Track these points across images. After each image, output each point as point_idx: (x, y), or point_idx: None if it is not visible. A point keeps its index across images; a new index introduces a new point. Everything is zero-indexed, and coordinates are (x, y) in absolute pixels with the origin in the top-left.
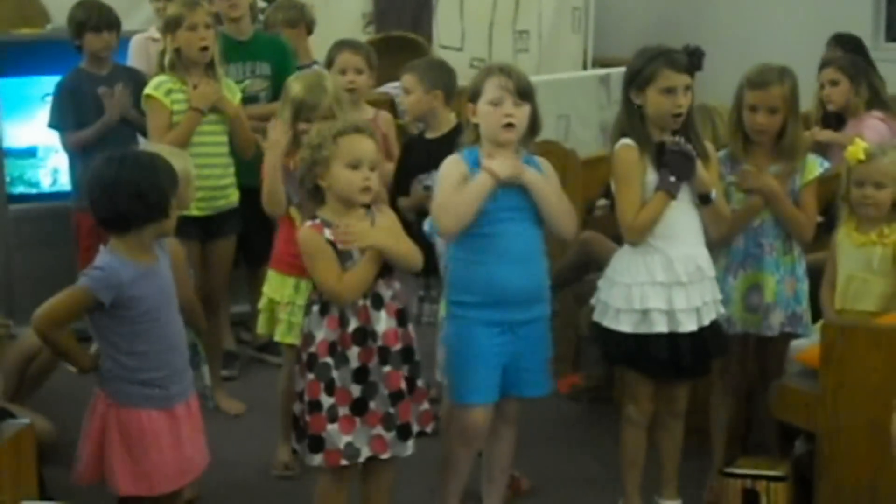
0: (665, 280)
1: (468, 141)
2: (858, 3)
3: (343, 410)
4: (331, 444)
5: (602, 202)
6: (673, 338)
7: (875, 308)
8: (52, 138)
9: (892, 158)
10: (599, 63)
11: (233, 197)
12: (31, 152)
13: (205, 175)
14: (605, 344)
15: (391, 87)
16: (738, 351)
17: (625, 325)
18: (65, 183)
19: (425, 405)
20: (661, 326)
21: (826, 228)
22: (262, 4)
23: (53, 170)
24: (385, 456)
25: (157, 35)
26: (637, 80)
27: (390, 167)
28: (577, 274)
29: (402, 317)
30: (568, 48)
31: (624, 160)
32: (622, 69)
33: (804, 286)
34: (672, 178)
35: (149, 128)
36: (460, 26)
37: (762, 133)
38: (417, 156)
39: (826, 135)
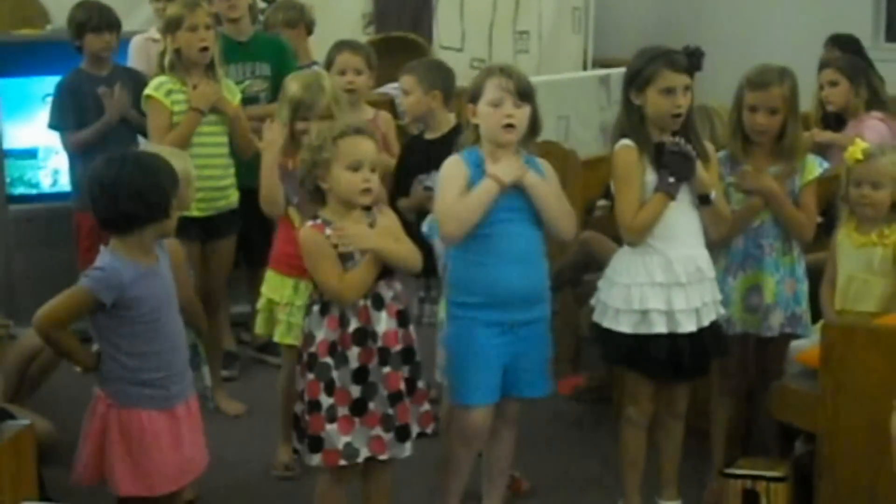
0: (664, 281)
1: (468, 141)
2: (858, 4)
3: (342, 411)
4: (329, 445)
5: (602, 202)
6: (672, 338)
7: (875, 309)
8: (53, 139)
9: (890, 159)
10: (599, 63)
11: (233, 197)
12: (31, 153)
13: (205, 176)
14: (604, 344)
15: (391, 88)
16: (737, 351)
17: (624, 326)
18: (65, 184)
19: (426, 406)
20: (660, 327)
21: (826, 229)
22: (262, 5)
23: (54, 170)
24: (383, 457)
25: (158, 36)
26: (637, 80)
27: (391, 161)
28: (577, 274)
29: (402, 318)
30: (568, 49)
31: (623, 161)
32: (622, 70)
33: (804, 287)
34: (671, 179)
35: (149, 128)
36: (460, 27)
37: (762, 133)
38: (417, 156)
39: (826, 135)
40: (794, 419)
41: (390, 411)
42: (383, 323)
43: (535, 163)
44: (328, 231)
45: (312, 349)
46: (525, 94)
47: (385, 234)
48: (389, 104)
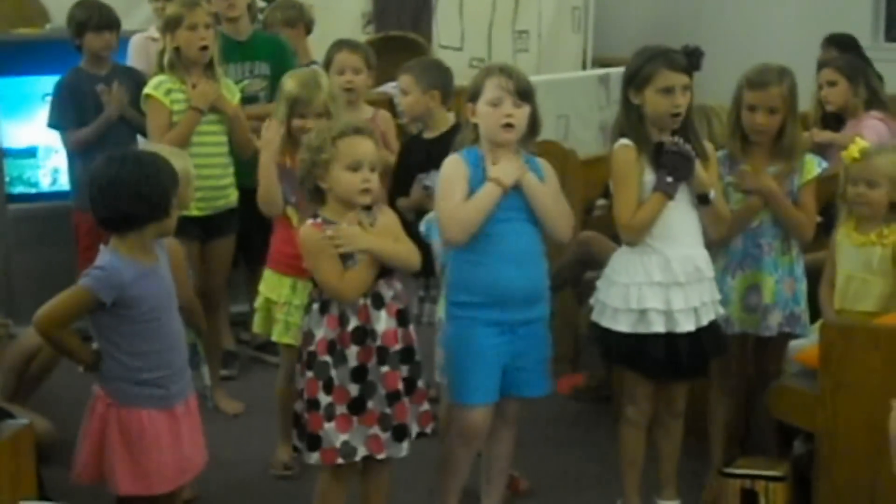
0: (663, 280)
1: (467, 141)
2: (858, 4)
3: (340, 409)
4: (327, 443)
5: (601, 202)
6: (671, 338)
7: (874, 308)
8: (52, 138)
9: (887, 158)
10: (599, 63)
11: (232, 197)
12: (30, 152)
13: (204, 175)
14: (603, 344)
15: (390, 87)
16: (736, 351)
17: (622, 325)
18: (64, 183)
19: (425, 406)
20: (658, 326)
21: (825, 228)
22: (261, 4)
23: (53, 170)
24: (381, 456)
25: (157, 35)
26: (635, 79)
27: (391, 158)
28: (577, 274)
29: (402, 317)
30: (567, 48)
31: (622, 160)
32: (622, 69)
33: (802, 286)
34: (669, 179)
35: (148, 127)
36: (460, 26)
37: (761, 133)
38: (416, 156)
39: (825, 135)
40: (792, 419)
41: (388, 410)
42: (383, 322)
43: (535, 162)
44: (328, 230)
45: (312, 347)
46: (525, 93)
47: (385, 234)
48: (388, 103)
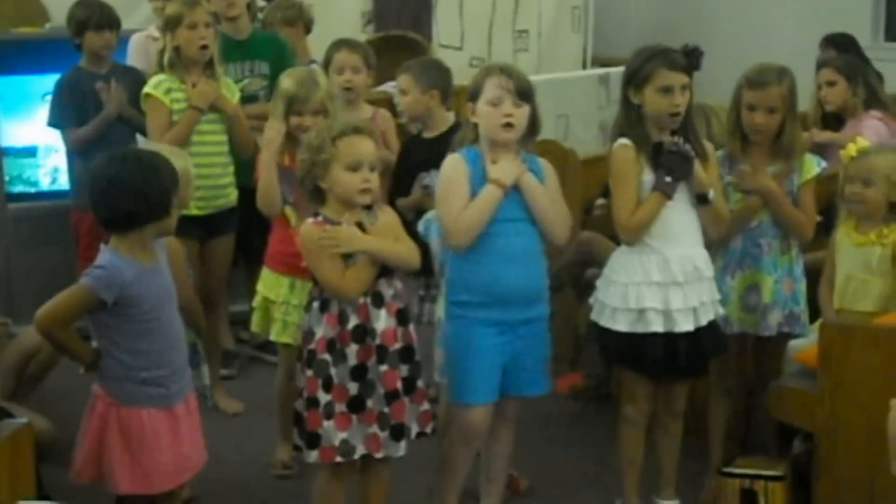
0: (661, 280)
1: (467, 140)
2: (858, 3)
3: (340, 407)
4: (326, 441)
5: (601, 201)
6: (669, 337)
7: (873, 308)
8: (52, 137)
9: (883, 156)
10: (599, 62)
11: (232, 196)
12: (30, 151)
13: (204, 174)
14: (602, 343)
15: (390, 87)
16: (736, 351)
17: (621, 325)
18: (64, 182)
19: (425, 405)
20: (657, 326)
21: (825, 228)
22: (261, 3)
23: (53, 169)
24: (379, 455)
25: (157, 34)
26: (635, 79)
27: (391, 157)
28: (576, 274)
29: (402, 316)
30: (567, 47)
31: (620, 160)
32: (622, 69)
33: (802, 286)
34: (668, 179)
35: (148, 127)
36: (460, 25)
37: (760, 133)
38: (416, 156)
39: (825, 135)
40: (792, 418)
41: (386, 410)
42: (382, 321)
43: (536, 162)
44: (324, 231)
45: (312, 346)
46: (525, 93)
47: (385, 233)
48: (388, 102)
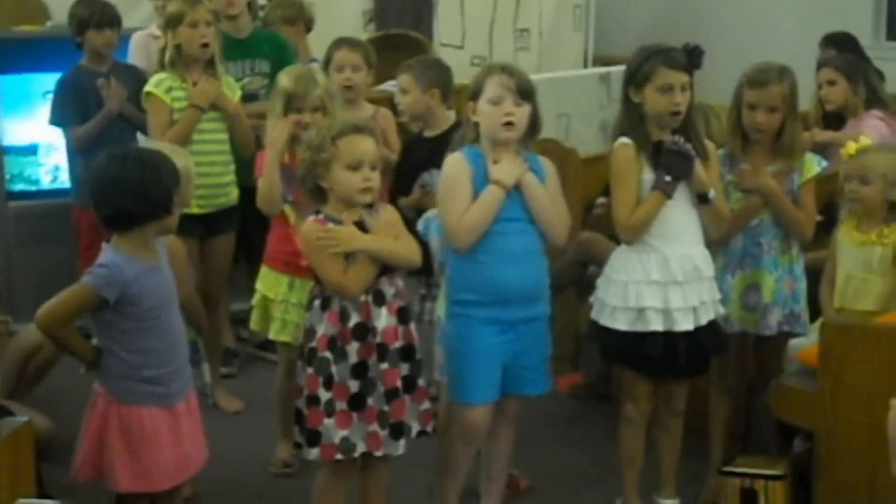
0: (661, 279)
1: (468, 139)
2: (859, 3)
3: (340, 405)
4: (327, 439)
5: (602, 200)
6: (669, 336)
7: (874, 307)
8: (53, 136)
9: (879, 154)
10: (600, 61)
11: (233, 194)
12: (31, 149)
13: (205, 173)
14: (602, 341)
15: (391, 85)
16: (736, 350)
17: (621, 323)
18: (65, 180)
19: (426, 404)
20: (656, 325)
21: (825, 227)
22: (262, 2)
23: (54, 167)
24: (379, 453)
25: (158, 32)
26: (635, 78)
27: (391, 156)
28: (577, 275)
29: (403, 315)
30: (568, 46)
31: (620, 159)
32: (623, 68)
33: (802, 285)
34: (668, 178)
35: (149, 125)
36: (461, 24)
37: (761, 132)
38: (417, 155)
39: (826, 135)
40: (792, 418)
41: (386, 408)
42: (383, 319)
43: (537, 161)
44: (331, 227)
45: (313, 344)
46: (526, 92)
47: (386, 230)
48: (389, 101)
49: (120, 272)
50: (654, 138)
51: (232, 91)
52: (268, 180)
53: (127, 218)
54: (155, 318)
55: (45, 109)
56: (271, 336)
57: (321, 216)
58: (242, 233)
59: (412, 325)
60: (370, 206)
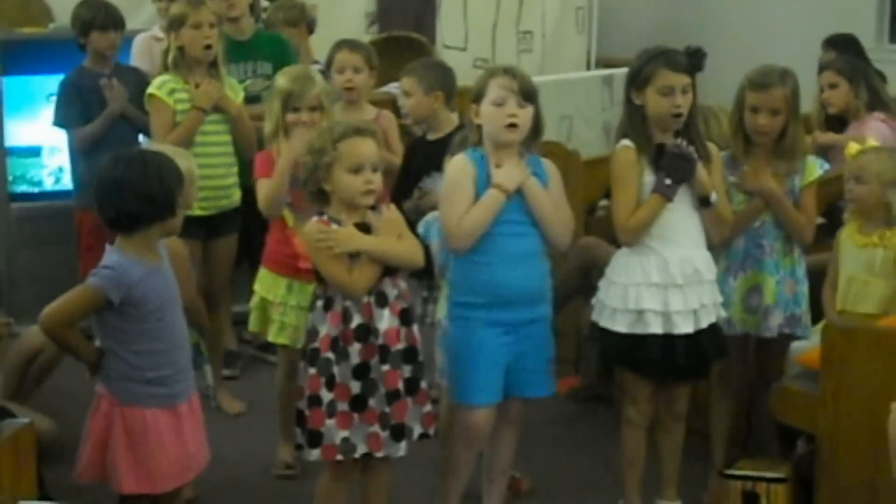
0: (660, 281)
1: (471, 142)
2: (861, 5)
3: (342, 406)
4: (328, 440)
5: (604, 202)
6: (668, 339)
7: (875, 310)
8: (56, 137)
9: (875, 155)
10: (603, 63)
11: (235, 196)
12: (34, 151)
13: (208, 175)
14: (602, 343)
15: (393, 87)
16: (738, 352)
17: (620, 325)
18: (67, 182)
19: (428, 407)
20: (655, 327)
21: (827, 230)
22: (264, 3)
23: (56, 169)
24: (380, 454)
25: (161, 34)
26: (636, 80)
27: (392, 159)
28: (581, 281)
29: (406, 316)
30: (571, 49)
31: (621, 161)
32: (625, 70)
33: (804, 288)
34: (668, 181)
35: (152, 127)
36: (464, 26)
37: (763, 134)
38: (420, 158)
39: (828, 137)
40: (794, 420)
41: (387, 409)
42: (385, 320)
43: (540, 163)
44: (334, 227)
45: (315, 344)
46: (529, 94)
47: (389, 229)
48: (392, 103)
49: (125, 274)
50: (656, 141)
51: (235, 93)
52: (276, 185)
53: (131, 220)
54: (159, 319)
55: (48, 111)
56: (270, 338)
57: (325, 217)
58: (245, 234)
59: (415, 328)
60: (373, 207)
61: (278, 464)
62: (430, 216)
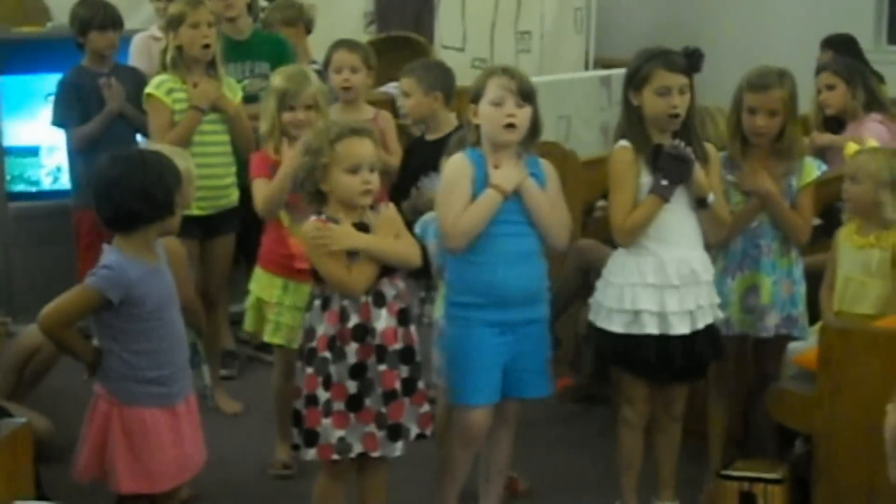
0: (656, 282)
1: (469, 142)
2: (860, 6)
3: (338, 405)
4: (324, 439)
5: (602, 203)
6: (664, 340)
7: (872, 310)
8: (54, 137)
9: (870, 155)
10: (601, 64)
11: (233, 196)
12: (32, 151)
13: (206, 175)
14: (598, 343)
15: (391, 87)
16: (735, 353)
17: (616, 326)
18: (65, 182)
19: (426, 407)
20: (651, 328)
21: (824, 231)
22: (263, 3)
23: (55, 168)
24: (376, 454)
25: (159, 34)
26: (634, 80)
27: (389, 159)
28: (580, 283)
29: (403, 316)
30: (570, 49)
31: (618, 162)
32: (624, 70)
33: (801, 289)
34: (664, 182)
35: (150, 127)
36: (462, 26)
37: (761, 136)
38: (418, 158)
39: (825, 138)
40: (791, 421)
41: (384, 409)
42: (383, 320)
43: (537, 163)
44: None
45: (313, 343)
46: (527, 94)
47: (387, 227)
48: (390, 104)
49: (124, 273)
50: (654, 141)
51: (233, 92)
52: (277, 190)
53: (129, 219)
54: (157, 319)
55: (46, 111)
56: (265, 338)
57: (323, 216)
58: (243, 234)
59: (412, 328)
60: (371, 207)
61: (275, 463)
62: (427, 216)
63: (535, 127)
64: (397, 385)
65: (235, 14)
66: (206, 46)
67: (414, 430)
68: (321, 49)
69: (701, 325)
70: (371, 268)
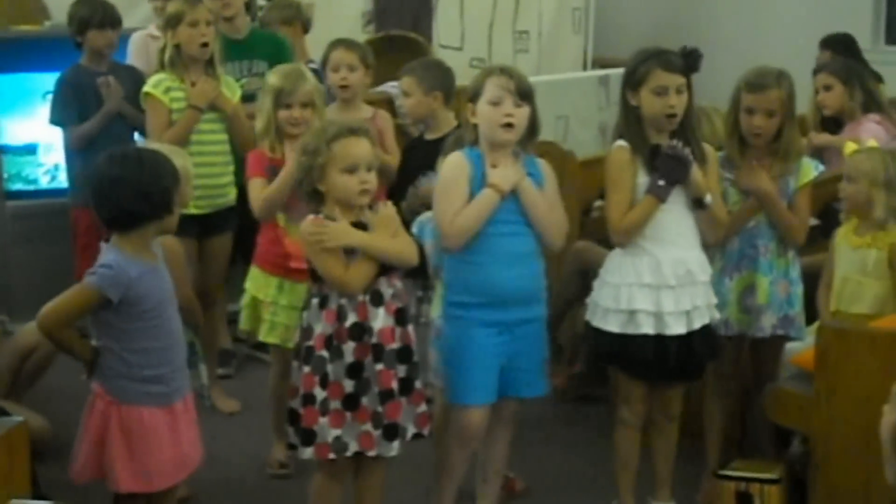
0: (652, 282)
1: (467, 141)
2: (858, 6)
3: (335, 404)
4: (321, 438)
5: (599, 203)
6: (660, 340)
7: (868, 310)
8: (52, 135)
9: (865, 155)
10: (599, 64)
11: (231, 195)
12: (29, 149)
13: (204, 173)
14: (594, 343)
15: (390, 87)
16: (732, 353)
17: (612, 325)
18: (63, 180)
19: (423, 407)
20: (647, 328)
21: (822, 231)
22: (261, 2)
23: (52, 167)
24: (372, 453)
25: (157, 32)
26: (631, 80)
27: (386, 158)
28: (579, 285)
29: (401, 316)
30: (568, 49)
31: (615, 162)
32: (622, 70)
33: (798, 289)
34: (661, 182)
35: (148, 126)
36: (460, 26)
37: (759, 136)
38: (418, 158)
39: (823, 139)
40: (788, 421)
41: (380, 408)
42: (380, 320)
43: (535, 163)
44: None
45: (310, 342)
46: (525, 94)
47: (384, 225)
48: (388, 103)
49: (123, 272)
50: (652, 141)
51: (231, 91)
52: (277, 193)
53: (127, 218)
54: (156, 317)
55: (43, 109)
56: (261, 337)
57: (321, 216)
58: (240, 233)
59: (410, 327)
60: (369, 206)
61: (273, 463)
62: (424, 216)
63: (533, 127)
64: (394, 384)
65: (233, 13)
66: (205, 45)
67: (411, 430)
68: (319, 48)
69: (697, 325)
70: (369, 266)
